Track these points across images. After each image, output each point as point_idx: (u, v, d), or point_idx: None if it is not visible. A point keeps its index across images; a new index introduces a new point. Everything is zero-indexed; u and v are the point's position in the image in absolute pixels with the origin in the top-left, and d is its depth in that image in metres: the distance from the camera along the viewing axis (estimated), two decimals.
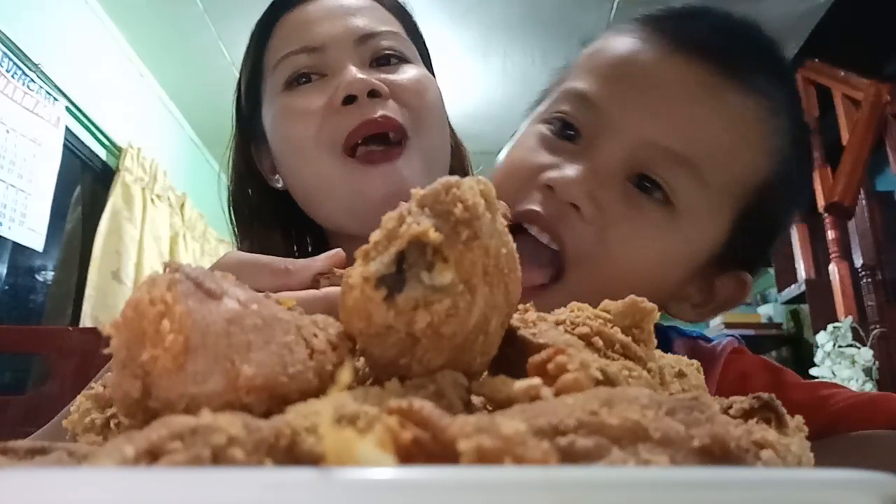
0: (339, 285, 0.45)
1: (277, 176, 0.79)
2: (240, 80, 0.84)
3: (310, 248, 0.84)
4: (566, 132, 0.57)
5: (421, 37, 0.84)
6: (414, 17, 0.84)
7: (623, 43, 0.58)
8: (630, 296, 0.32)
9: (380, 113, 0.67)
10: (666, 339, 0.65)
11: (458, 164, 0.84)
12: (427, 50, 0.85)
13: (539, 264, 0.53)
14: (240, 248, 0.80)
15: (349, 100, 0.68)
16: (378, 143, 0.69)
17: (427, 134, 0.72)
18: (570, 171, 0.53)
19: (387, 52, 0.74)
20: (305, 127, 0.70)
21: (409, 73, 0.74)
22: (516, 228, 0.52)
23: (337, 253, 0.48)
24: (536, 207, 0.54)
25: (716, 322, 3.95)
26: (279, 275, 0.44)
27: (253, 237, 0.80)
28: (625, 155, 0.54)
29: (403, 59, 0.76)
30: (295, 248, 0.85)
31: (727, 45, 0.55)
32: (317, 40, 0.73)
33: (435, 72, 0.84)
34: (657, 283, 0.55)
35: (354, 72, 0.69)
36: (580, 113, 0.57)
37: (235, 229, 0.83)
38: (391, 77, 0.72)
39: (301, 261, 0.47)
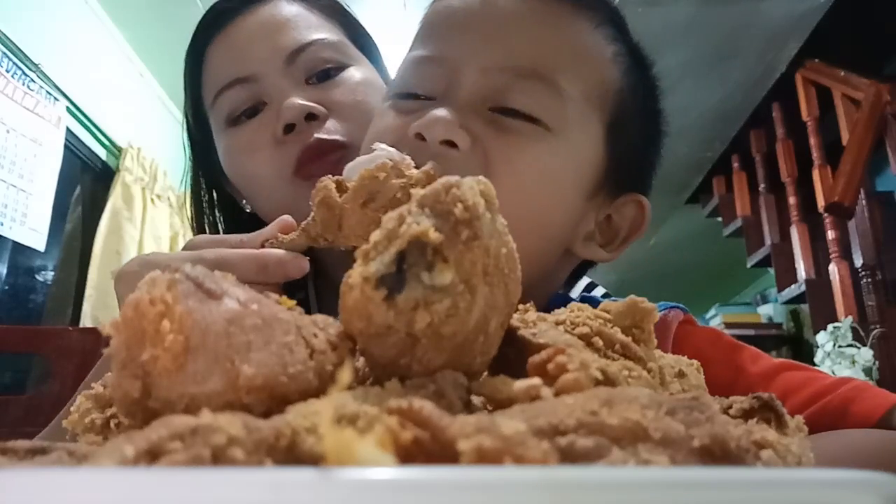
0: (280, 248, 0.50)
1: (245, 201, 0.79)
2: (185, 111, 0.82)
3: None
4: (418, 99, 0.57)
5: (361, 30, 0.82)
6: (354, 18, 0.82)
7: (443, 2, 0.59)
8: (630, 296, 0.32)
9: (314, 137, 0.67)
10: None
11: None
12: (370, 41, 0.83)
13: None
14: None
15: (289, 128, 0.68)
16: (322, 161, 0.68)
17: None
18: (435, 113, 0.52)
19: (321, 65, 0.73)
20: (256, 163, 0.70)
21: (347, 81, 0.73)
22: None
23: (282, 220, 0.52)
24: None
25: (716, 323, 3.96)
26: (235, 245, 0.50)
27: None
28: (478, 86, 0.54)
29: (341, 66, 0.74)
30: None
31: None
32: (246, 70, 0.71)
33: (385, 56, 0.83)
34: (556, 214, 0.55)
35: (290, 99, 0.68)
36: (425, 75, 0.57)
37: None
38: (327, 93, 0.71)
39: (255, 232, 0.52)
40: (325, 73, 0.73)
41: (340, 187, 0.48)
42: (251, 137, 0.71)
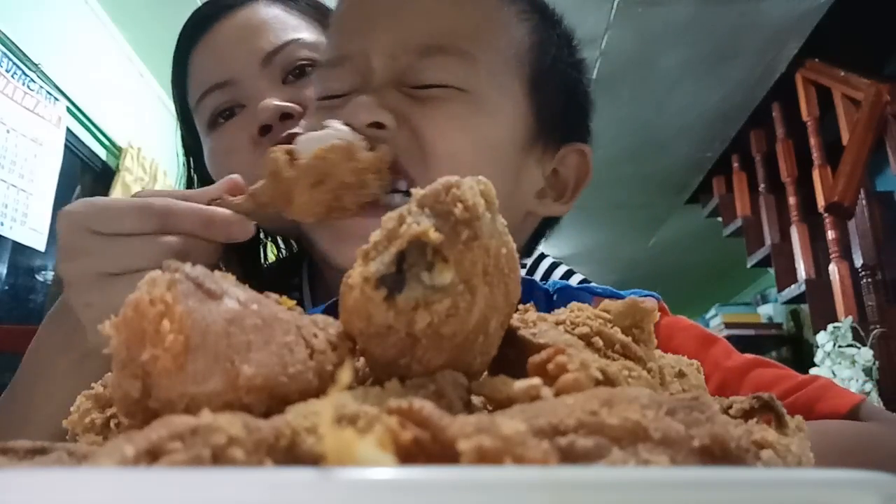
0: (226, 208, 0.50)
1: None
2: (176, 117, 0.84)
3: (294, 249, 0.85)
4: (339, 97, 0.58)
5: None
6: (330, 11, 0.83)
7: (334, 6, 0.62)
8: (630, 296, 0.32)
9: (287, 133, 0.68)
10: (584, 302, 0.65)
11: None
12: None
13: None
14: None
15: (265, 129, 0.69)
16: None
17: None
18: (355, 100, 0.54)
19: (298, 63, 0.74)
20: (234, 165, 0.71)
21: None
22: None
23: (230, 178, 0.52)
24: None
25: (716, 323, 3.96)
26: (180, 198, 0.50)
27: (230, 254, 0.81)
28: (389, 70, 0.55)
29: (315, 65, 0.74)
30: (283, 249, 0.86)
31: None
32: (224, 75, 0.73)
33: None
34: (492, 169, 0.55)
35: (265, 101, 0.69)
36: (339, 75, 0.58)
37: None
38: (303, 91, 0.72)
39: (201, 189, 0.52)
40: (302, 72, 0.74)
41: (291, 158, 0.48)
42: (229, 140, 0.72)
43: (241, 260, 0.79)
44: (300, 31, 0.76)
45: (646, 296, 0.64)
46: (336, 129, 0.50)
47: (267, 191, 0.49)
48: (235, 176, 0.53)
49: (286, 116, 0.70)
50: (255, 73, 0.73)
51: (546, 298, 0.65)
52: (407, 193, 0.52)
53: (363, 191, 0.50)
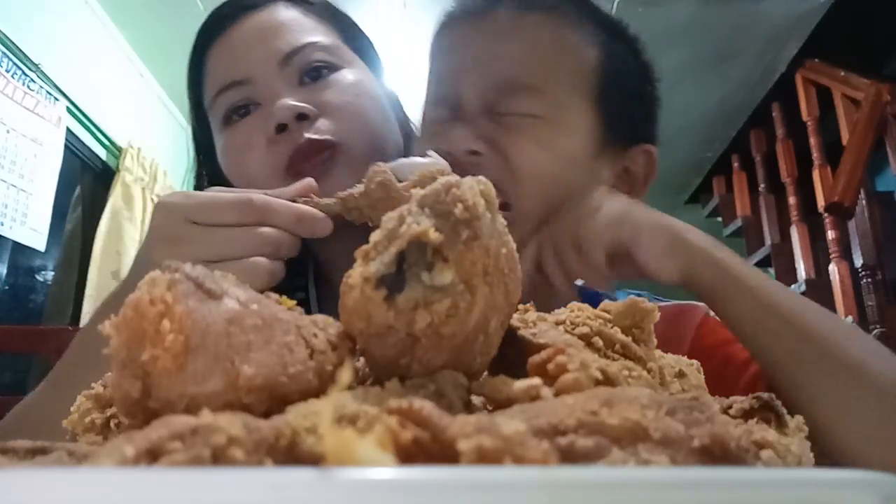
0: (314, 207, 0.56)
1: None
2: (189, 114, 0.85)
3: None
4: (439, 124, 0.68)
5: (358, 33, 0.84)
6: (350, 20, 0.84)
7: (439, 40, 0.72)
8: (630, 296, 0.32)
9: (305, 137, 0.70)
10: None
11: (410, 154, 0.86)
12: (367, 44, 0.85)
13: None
14: None
15: (281, 128, 0.70)
16: (312, 161, 0.71)
17: (360, 140, 0.73)
18: (453, 132, 0.64)
19: (314, 64, 0.75)
20: (249, 162, 0.73)
21: (339, 82, 0.75)
22: None
23: (306, 184, 0.59)
24: None
25: None
26: (272, 194, 0.56)
27: None
28: (478, 105, 0.66)
29: (333, 68, 0.76)
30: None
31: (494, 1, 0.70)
32: (242, 73, 0.74)
33: (382, 63, 0.85)
34: (571, 175, 0.65)
35: (281, 100, 0.71)
36: (439, 109, 0.69)
37: None
38: (319, 94, 0.73)
39: (284, 188, 0.59)
40: (318, 74, 0.75)
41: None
42: (245, 137, 0.73)
43: None
44: (317, 34, 0.78)
45: (639, 295, 0.68)
46: (435, 159, 0.58)
47: (361, 198, 0.54)
48: (309, 180, 0.59)
49: (302, 117, 0.71)
50: (273, 73, 0.74)
51: None
52: (504, 208, 0.58)
53: None
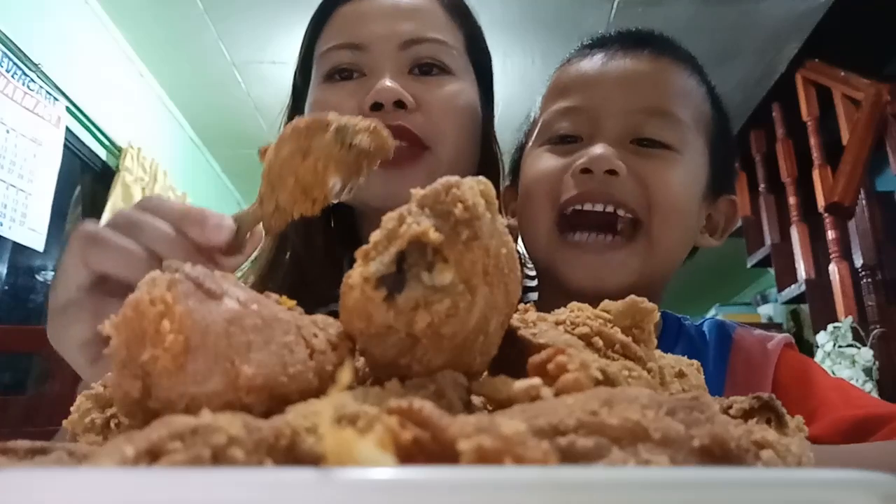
0: None
1: None
2: (297, 60, 0.86)
3: (332, 223, 0.87)
4: (567, 141, 0.70)
5: (481, 43, 0.84)
6: (478, 26, 0.84)
7: (580, 62, 0.74)
8: (630, 296, 0.32)
9: (397, 122, 0.70)
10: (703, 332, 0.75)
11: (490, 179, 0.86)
12: (487, 61, 0.85)
13: (614, 233, 0.65)
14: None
15: (376, 107, 0.70)
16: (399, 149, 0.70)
17: (447, 151, 0.73)
18: (593, 150, 0.65)
19: (428, 60, 0.75)
20: None
21: (445, 87, 0.75)
22: (567, 222, 0.66)
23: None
24: (581, 190, 0.65)
25: None
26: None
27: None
28: (621, 125, 0.67)
29: (445, 71, 0.76)
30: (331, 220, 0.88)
31: (645, 38, 0.75)
32: (361, 38, 0.75)
33: (493, 86, 0.85)
34: (694, 214, 0.70)
35: (386, 80, 0.71)
36: (573, 121, 0.70)
37: None
38: (423, 90, 0.73)
39: None
40: (429, 70, 0.76)
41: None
42: (339, 100, 0.73)
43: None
44: (445, 32, 0.78)
45: (779, 333, 0.74)
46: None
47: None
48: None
49: (400, 104, 0.71)
50: (389, 52, 0.74)
51: (699, 336, 0.73)
52: (633, 222, 0.66)
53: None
